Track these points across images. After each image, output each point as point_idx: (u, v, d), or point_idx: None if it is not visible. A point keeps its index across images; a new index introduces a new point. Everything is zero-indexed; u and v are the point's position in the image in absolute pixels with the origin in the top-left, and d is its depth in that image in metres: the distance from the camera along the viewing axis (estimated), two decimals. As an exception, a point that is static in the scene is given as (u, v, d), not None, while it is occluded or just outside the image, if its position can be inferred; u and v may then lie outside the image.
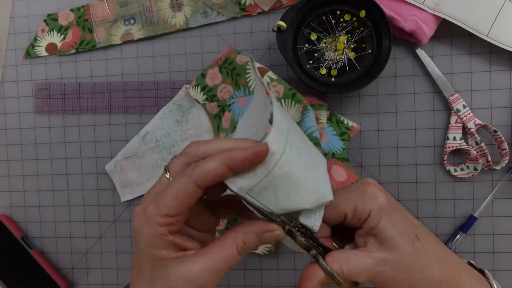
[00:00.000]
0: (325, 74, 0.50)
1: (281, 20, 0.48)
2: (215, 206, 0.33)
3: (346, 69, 0.50)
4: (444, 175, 0.52)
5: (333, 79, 0.50)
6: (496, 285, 0.32)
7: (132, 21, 0.57)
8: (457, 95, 0.50)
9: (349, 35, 0.50)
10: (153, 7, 0.56)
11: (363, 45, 0.50)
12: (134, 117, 0.58)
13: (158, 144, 0.56)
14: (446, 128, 0.52)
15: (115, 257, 0.59)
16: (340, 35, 0.50)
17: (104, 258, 0.59)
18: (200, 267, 0.28)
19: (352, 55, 0.50)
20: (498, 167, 0.49)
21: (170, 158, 0.56)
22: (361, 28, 0.49)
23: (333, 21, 0.50)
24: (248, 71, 0.49)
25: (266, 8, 0.54)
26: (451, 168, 0.51)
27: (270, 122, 0.27)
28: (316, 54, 0.51)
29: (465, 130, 0.51)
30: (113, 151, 0.58)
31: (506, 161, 0.49)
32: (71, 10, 0.58)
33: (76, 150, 0.59)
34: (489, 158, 0.49)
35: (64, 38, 0.58)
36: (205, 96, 0.54)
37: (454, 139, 0.51)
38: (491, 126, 0.50)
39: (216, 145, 0.28)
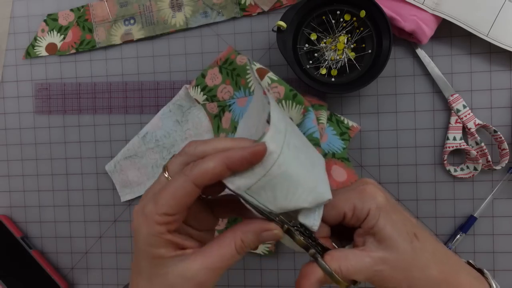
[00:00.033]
0: (325, 74, 0.50)
1: (281, 20, 0.48)
2: (213, 206, 0.33)
3: (346, 69, 0.50)
4: (444, 175, 0.52)
5: (333, 79, 0.50)
6: (495, 284, 0.32)
7: (132, 21, 0.57)
8: (457, 95, 0.50)
9: (349, 35, 0.50)
10: (153, 7, 0.56)
11: (363, 45, 0.50)
12: (134, 117, 0.58)
13: (158, 144, 0.56)
14: (446, 128, 0.52)
15: (115, 257, 0.59)
16: (340, 35, 0.50)
17: (104, 258, 0.59)
18: (198, 266, 0.28)
19: (352, 55, 0.50)
20: (498, 167, 0.49)
21: (170, 158, 0.56)
22: (361, 28, 0.49)
23: (333, 21, 0.50)
24: (248, 71, 0.49)
25: (266, 8, 0.54)
26: (451, 168, 0.51)
27: (268, 122, 0.27)
28: (316, 54, 0.51)
29: (465, 130, 0.51)
30: (113, 151, 0.58)
31: (506, 161, 0.49)
32: (71, 10, 0.58)
33: (76, 150, 0.59)
34: (489, 158, 0.49)
35: (64, 38, 0.58)
36: (205, 96, 0.54)
37: (454, 139, 0.51)
38: (491, 126, 0.50)
39: (214, 144, 0.28)
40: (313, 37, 0.50)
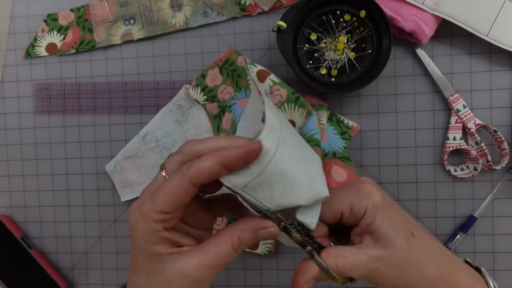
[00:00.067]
0: (325, 74, 0.50)
1: (281, 20, 0.48)
2: (211, 204, 0.33)
3: (346, 69, 0.50)
4: (444, 175, 0.52)
5: (333, 79, 0.50)
6: (492, 282, 0.32)
7: (132, 21, 0.57)
8: (457, 95, 0.50)
9: (349, 35, 0.50)
10: (153, 7, 0.56)
11: (363, 45, 0.50)
12: (134, 117, 0.58)
13: (158, 144, 0.56)
14: (446, 128, 0.52)
15: (115, 257, 0.59)
16: (340, 35, 0.50)
17: (104, 258, 0.59)
18: (195, 263, 0.28)
19: (352, 55, 0.50)
20: (498, 167, 0.49)
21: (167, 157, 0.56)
22: (361, 28, 0.49)
23: (333, 21, 0.50)
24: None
25: (266, 8, 0.54)
26: (451, 168, 0.51)
27: (263, 121, 0.27)
28: (316, 54, 0.51)
29: (465, 130, 0.51)
30: (113, 151, 0.58)
31: (506, 161, 0.49)
32: (71, 10, 0.58)
33: (76, 150, 0.59)
34: (489, 158, 0.49)
35: (64, 38, 0.58)
36: (205, 96, 0.54)
37: (454, 139, 0.51)
38: (491, 126, 0.50)
39: (210, 143, 0.28)
40: (313, 37, 0.50)
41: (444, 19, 0.49)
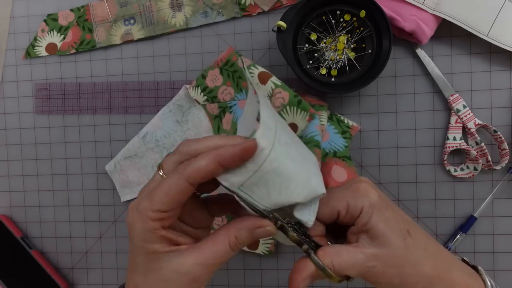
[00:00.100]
0: (325, 74, 0.50)
1: (281, 20, 0.48)
2: (208, 204, 0.33)
3: (346, 69, 0.50)
4: (444, 175, 0.52)
5: (333, 79, 0.50)
6: (489, 280, 0.32)
7: (132, 21, 0.57)
8: (457, 95, 0.50)
9: (349, 35, 0.50)
10: (153, 7, 0.56)
11: (363, 45, 0.50)
12: (134, 117, 0.58)
13: (158, 144, 0.56)
14: (446, 128, 0.52)
15: (115, 257, 0.59)
16: (340, 35, 0.50)
17: (104, 258, 0.59)
18: (192, 261, 0.28)
19: (352, 55, 0.50)
20: (498, 167, 0.49)
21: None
22: (361, 28, 0.49)
23: (333, 21, 0.50)
24: (251, 74, 0.49)
25: (266, 8, 0.54)
26: (451, 168, 0.51)
27: (258, 120, 0.28)
28: (316, 54, 0.51)
29: (465, 130, 0.51)
30: (113, 151, 0.58)
31: (506, 161, 0.49)
32: (71, 10, 0.58)
33: (76, 150, 0.59)
34: (489, 158, 0.49)
35: (64, 38, 0.58)
36: (205, 97, 0.54)
37: (454, 139, 0.51)
38: (491, 126, 0.50)
39: (206, 143, 0.29)
40: (313, 37, 0.50)
41: (444, 19, 0.49)
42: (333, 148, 0.51)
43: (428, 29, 0.48)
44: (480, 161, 0.50)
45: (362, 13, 0.48)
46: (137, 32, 0.57)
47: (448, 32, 0.51)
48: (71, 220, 0.60)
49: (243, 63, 0.33)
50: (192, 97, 0.54)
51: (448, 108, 0.51)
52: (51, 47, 0.59)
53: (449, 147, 0.51)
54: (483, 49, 0.51)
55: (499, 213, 0.51)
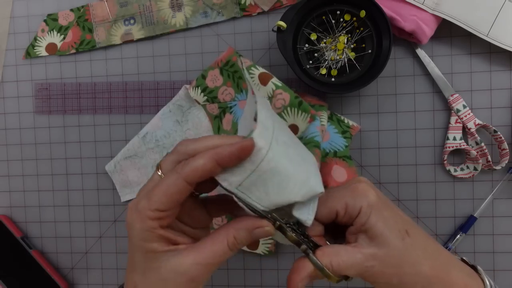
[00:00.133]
0: (325, 74, 0.50)
1: (281, 20, 0.48)
2: (207, 204, 0.33)
3: (346, 69, 0.50)
4: (444, 175, 0.52)
5: (333, 79, 0.50)
6: (488, 280, 0.32)
7: (132, 21, 0.57)
8: (457, 95, 0.50)
9: (349, 35, 0.50)
10: (153, 7, 0.56)
11: (363, 45, 0.50)
12: (134, 117, 0.58)
13: (158, 144, 0.56)
14: (446, 128, 0.52)
15: (115, 257, 0.59)
16: (340, 35, 0.50)
17: (104, 258, 0.59)
18: (191, 261, 0.28)
19: (352, 55, 0.50)
20: (498, 167, 0.49)
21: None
22: (361, 28, 0.49)
23: (333, 21, 0.50)
24: (251, 75, 0.49)
25: (266, 8, 0.54)
26: (451, 168, 0.51)
27: (255, 120, 0.28)
28: (316, 54, 0.51)
29: (465, 130, 0.51)
30: (113, 151, 0.58)
31: (506, 161, 0.49)
32: (71, 10, 0.58)
33: (76, 150, 0.59)
34: (489, 158, 0.49)
35: (64, 38, 0.58)
36: (205, 97, 0.54)
37: (454, 139, 0.51)
38: (491, 126, 0.50)
39: (204, 142, 0.29)
40: (313, 37, 0.50)
41: (444, 19, 0.49)
42: (333, 148, 0.51)
43: (428, 29, 0.48)
44: (480, 161, 0.50)
45: (362, 13, 0.48)
46: (137, 32, 0.57)
47: (448, 32, 0.51)
48: (71, 220, 0.60)
49: (241, 64, 0.33)
50: (192, 97, 0.54)
51: (448, 108, 0.51)
52: (51, 47, 0.59)
53: (449, 147, 0.51)
54: (483, 49, 0.51)
55: (499, 213, 0.51)
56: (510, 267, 0.51)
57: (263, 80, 0.48)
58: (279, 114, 0.48)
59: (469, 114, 0.50)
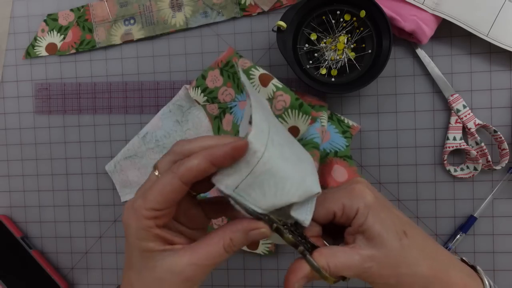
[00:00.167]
0: (325, 74, 0.50)
1: (281, 20, 0.48)
2: (204, 205, 0.34)
3: (346, 69, 0.50)
4: (444, 175, 0.52)
5: (333, 79, 0.50)
6: (488, 281, 0.32)
7: (132, 21, 0.57)
8: (457, 95, 0.50)
9: (349, 35, 0.50)
10: (153, 7, 0.56)
11: (363, 45, 0.50)
12: (134, 117, 0.58)
13: (158, 144, 0.56)
14: (446, 128, 0.52)
15: (115, 257, 0.59)
16: (340, 35, 0.50)
17: (104, 258, 0.59)
18: (186, 261, 0.29)
19: (352, 55, 0.50)
20: (498, 167, 0.49)
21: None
22: (361, 28, 0.49)
23: (333, 21, 0.50)
24: (251, 76, 0.49)
25: (266, 8, 0.54)
26: (451, 168, 0.51)
27: (250, 123, 0.28)
28: (316, 54, 0.51)
29: (465, 130, 0.51)
30: (113, 151, 0.58)
31: (506, 161, 0.49)
32: (71, 10, 0.58)
33: (76, 150, 0.59)
34: (489, 158, 0.49)
35: (64, 38, 0.58)
36: (205, 97, 0.54)
37: (454, 139, 0.51)
38: (491, 126, 0.50)
39: (199, 143, 0.29)
40: (313, 37, 0.50)
41: (444, 19, 0.49)
42: (333, 148, 0.51)
43: (428, 29, 0.48)
44: (480, 161, 0.50)
45: (362, 13, 0.48)
46: (137, 32, 0.57)
47: (448, 32, 0.51)
48: (71, 220, 0.60)
49: (237, 67, 0.33)
50: (192, 97, 0.54)
51: (448, 108, 0.51)
52: (51, 47, 0.59)
53: (449, 147, 0.51)
54: (483, 49, 0.51)
55: (499, 213, 0.51)
56: (510, 267, 0.51)
57: (264, 81, 0.48)
58: (280, 116, 0.48)
59: (469, 114, 0.50)
